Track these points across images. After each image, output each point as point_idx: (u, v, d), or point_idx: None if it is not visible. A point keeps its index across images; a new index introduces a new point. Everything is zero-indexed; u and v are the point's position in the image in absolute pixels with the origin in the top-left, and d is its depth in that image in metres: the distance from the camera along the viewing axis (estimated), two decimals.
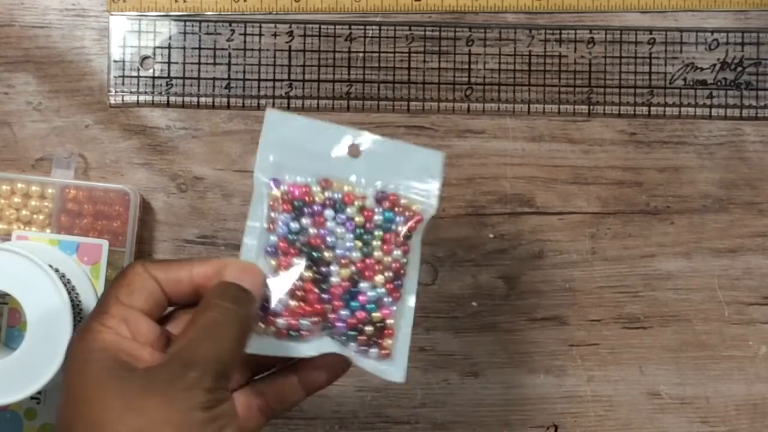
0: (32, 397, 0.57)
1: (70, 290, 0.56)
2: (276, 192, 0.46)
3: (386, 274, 0.46)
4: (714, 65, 0.63)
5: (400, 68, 0.63)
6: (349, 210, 0.46)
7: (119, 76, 0.62)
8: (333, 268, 0.45)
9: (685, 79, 0.63)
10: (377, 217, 0.46)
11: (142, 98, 0.62)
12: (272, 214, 0.45)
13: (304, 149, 0.46)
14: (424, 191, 0.46)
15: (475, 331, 0.62)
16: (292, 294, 0.45)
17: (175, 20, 0.63)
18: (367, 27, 0.63)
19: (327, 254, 0.45)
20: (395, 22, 0.63)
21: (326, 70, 0.63)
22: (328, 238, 0.45)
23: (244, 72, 0.63)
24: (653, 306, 0.63)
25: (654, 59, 0.63)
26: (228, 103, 0.63)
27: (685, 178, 0.63)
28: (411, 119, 0.63)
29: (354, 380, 0.62)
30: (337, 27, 0.63)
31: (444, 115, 0.63)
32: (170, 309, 0.45)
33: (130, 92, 0.62)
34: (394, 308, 0.45)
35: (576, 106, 0.63)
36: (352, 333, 0.45)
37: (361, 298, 0.45)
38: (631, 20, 0.63)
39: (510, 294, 0.62)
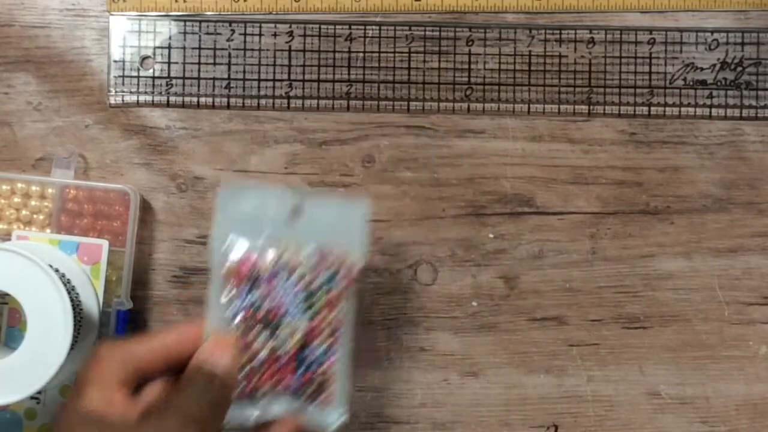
0: (32, 397, 0.57)
1: (70, 290, 0.56)
2: (231, 266, 0.50)
3: (329, 329, 0.50)
4: (714, 65, 0.63)
5: (400, 68, 0.63)
6: (294, 277, 0.50)
7: (119, 76, 0.62)
8: (285, 332, 0.49)
9: (685, 79, 0.63)
10: (320, 280, 0.50)
11: (142, 98, 0.62)
12: (229, 287, 0.50)
13: (254, 216, 0.50)
14: (355, 242, 0.51)
15: (475, 331, 0.62)
16: (251, 362, 0.49)
17: (175, 20, 0.63)
18: (367, 27, 0.63)
19: (282, 321, 0.50)
20: (395, 22, 0.63)
21: (326, 70, 0.63)
22: (282, 308, 0.49)
23: (244, 72, 0.63)
24: (653, 306, 0.63)
25: (654, 59, 0.63)
26: (228, 103, 0.63)
27: (685, 178, 0.63)
28: (411, 119, 0.63)
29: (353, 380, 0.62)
30: (337, 27, 0.63)
31: (444, 115, 0.63)
32: None
33: (130, 92, 0.62)
34: (335, 356, 0.50)
35: (576, 106, 0.63)
36: (302, 390, 0.50)
37: (310, 358, 0.50)
38: (631, 20, 0.63)
39: (510, 294, 0.62)
